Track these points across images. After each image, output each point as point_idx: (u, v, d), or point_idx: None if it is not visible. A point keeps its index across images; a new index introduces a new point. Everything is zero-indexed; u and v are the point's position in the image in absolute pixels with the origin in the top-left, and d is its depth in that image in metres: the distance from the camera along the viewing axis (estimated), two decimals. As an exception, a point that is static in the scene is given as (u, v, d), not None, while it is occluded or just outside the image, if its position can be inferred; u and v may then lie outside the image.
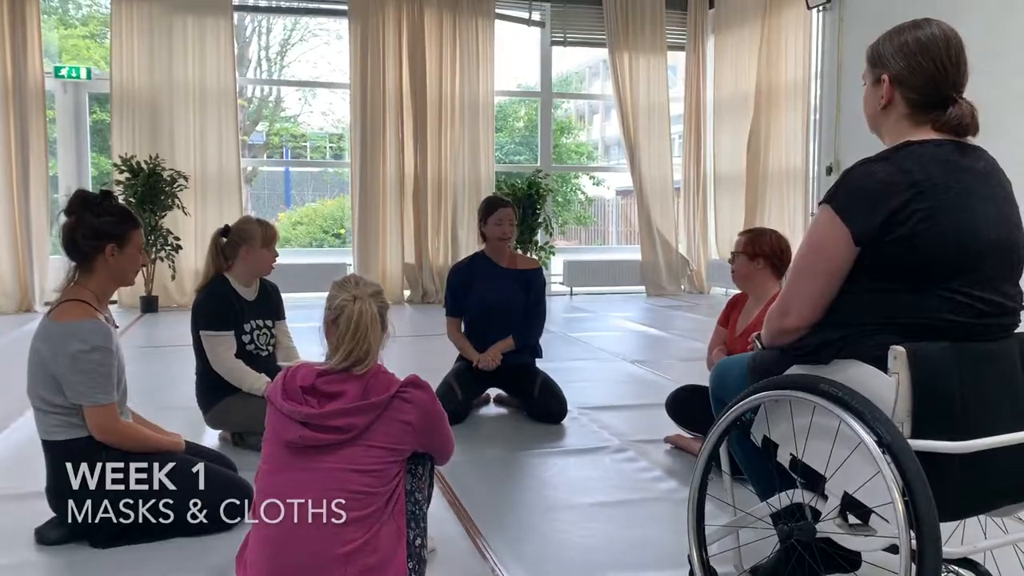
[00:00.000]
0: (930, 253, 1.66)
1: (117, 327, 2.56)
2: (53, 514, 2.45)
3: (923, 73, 1.74)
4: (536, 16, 9.64)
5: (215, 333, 3.28)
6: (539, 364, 4.11)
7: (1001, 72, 5.81)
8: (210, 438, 3.49)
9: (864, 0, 7.30)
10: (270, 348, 3.49)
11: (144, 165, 7.74)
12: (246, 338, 3.37)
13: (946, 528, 1.59)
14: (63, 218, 2.44)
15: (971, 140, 1.79)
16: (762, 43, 8.82)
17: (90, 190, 2.53)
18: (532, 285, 4.03)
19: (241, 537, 2.04)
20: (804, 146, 8.39)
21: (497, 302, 3.97)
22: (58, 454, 2.36)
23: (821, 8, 7.80)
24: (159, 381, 4.68)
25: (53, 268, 7.89)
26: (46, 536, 2.43)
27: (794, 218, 8.46)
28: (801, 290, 1.78)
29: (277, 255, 3.50)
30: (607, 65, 9.94)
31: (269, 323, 3.48)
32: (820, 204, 1.77)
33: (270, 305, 3.52)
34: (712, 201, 9.98)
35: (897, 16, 1.86)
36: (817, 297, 1.75)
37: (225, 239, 3.41)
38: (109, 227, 2.43)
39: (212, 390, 3.34)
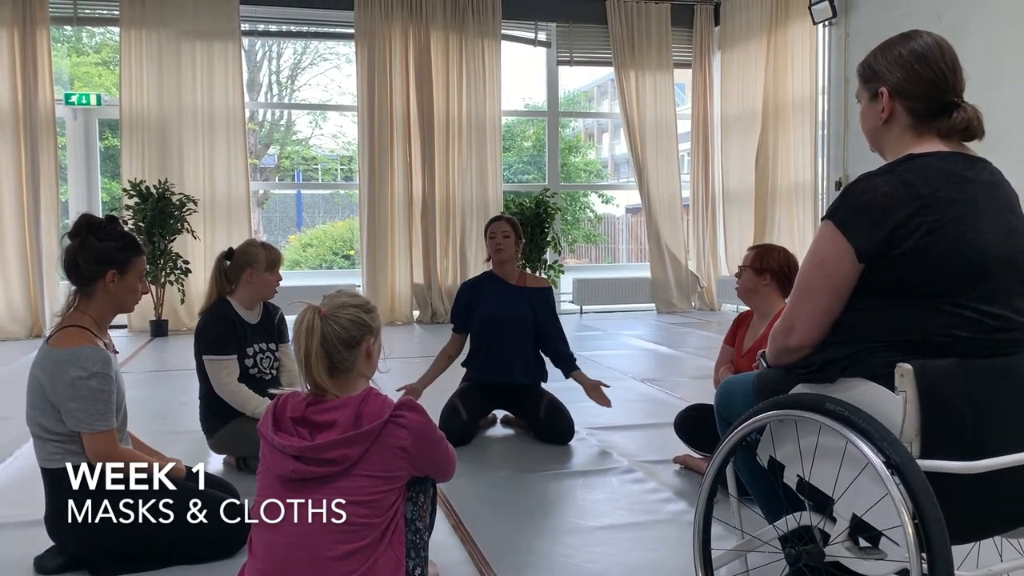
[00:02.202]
0: (936, 267, 1.62)
1: (117, 352, 2.54)
2: (52, 543, 2.42)
3: (923, 81, 1.71)
4: (542, 36, 9.69)
5: (217, 358, 3.26)
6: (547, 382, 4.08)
7: (1008, 82, 5.78)
8: (215, 463, 3.47)
9: (869, 15, 7.31)
10: (273, 372, 3.46)
11: (153, 190, 7.80)
12: (249, 362, 3.35)
13: (960, 551, 1.54)
14: (67, 241, 2.44)
15: (978, 152, 1.76)
16: (768, 59, 8.82)
17: (98, 215, 2.53)
18: (542, 305, 4.00)
19: (239, 566, 2.01)
20: (812, 161, 8.36)
21: (503, 317, 3.94)
22: (57, 482, 2.33)
23: (827, 23, 7.80)
24: (168, 405, 4.68)
25: (63, 294, 7.91)
26: (45, 565, 2.40)
27: (804, 233, 8.40)
28: (804, 308, 1.74)
29: (281, 278, 3.49)
30: (614, 83, 9.95)
31: (272, 346, 3.46)
32: (822, 219, 1.74)
33: (273, 328, 3.50)
34: (721, 217, 9.95)
35: (903, 29, 1.83)
36: (821, 315, 1.72)
37: (228, 262, 3.40)
38: (112, 252, 2.43)
39: (216, 414, 3.32)
